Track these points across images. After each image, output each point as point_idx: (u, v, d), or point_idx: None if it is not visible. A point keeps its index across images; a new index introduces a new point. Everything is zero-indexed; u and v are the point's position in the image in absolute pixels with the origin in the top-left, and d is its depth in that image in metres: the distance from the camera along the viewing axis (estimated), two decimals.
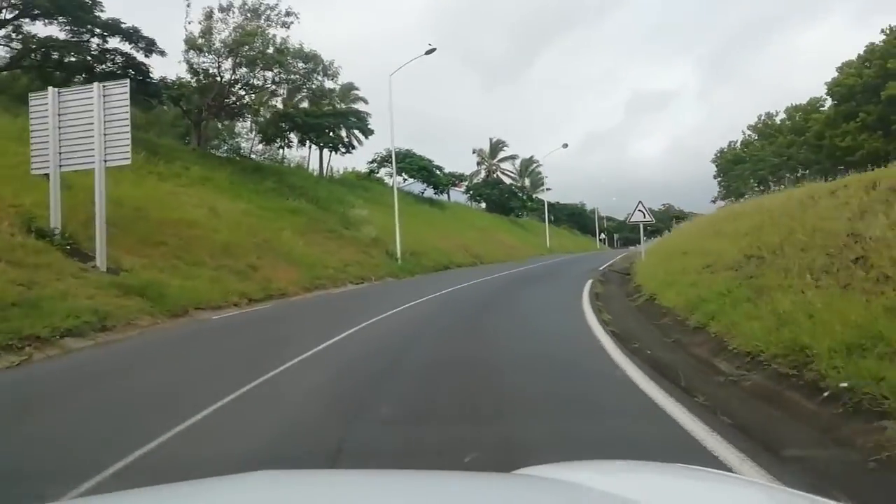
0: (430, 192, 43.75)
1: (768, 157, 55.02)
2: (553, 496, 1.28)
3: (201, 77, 25.71)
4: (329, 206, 27.06)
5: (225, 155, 29.48)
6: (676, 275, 10.25)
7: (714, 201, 65.26)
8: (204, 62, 25.19)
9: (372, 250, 25.09)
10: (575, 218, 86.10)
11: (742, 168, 59.03)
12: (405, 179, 40.56)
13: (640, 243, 21.26)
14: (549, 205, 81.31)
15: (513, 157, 75.23)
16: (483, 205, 58.81)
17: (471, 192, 55.17)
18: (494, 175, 66.40)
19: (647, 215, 18.46)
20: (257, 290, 15.53)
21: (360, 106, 47.77)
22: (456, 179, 47.73)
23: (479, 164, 71.52)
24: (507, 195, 56.64)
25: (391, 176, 39.76)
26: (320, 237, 23.17)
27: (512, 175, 73.73)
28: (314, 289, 18.24)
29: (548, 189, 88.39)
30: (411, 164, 39.23)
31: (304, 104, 33.36)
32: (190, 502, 1.37)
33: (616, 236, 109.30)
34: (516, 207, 57.98)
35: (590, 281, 15.97)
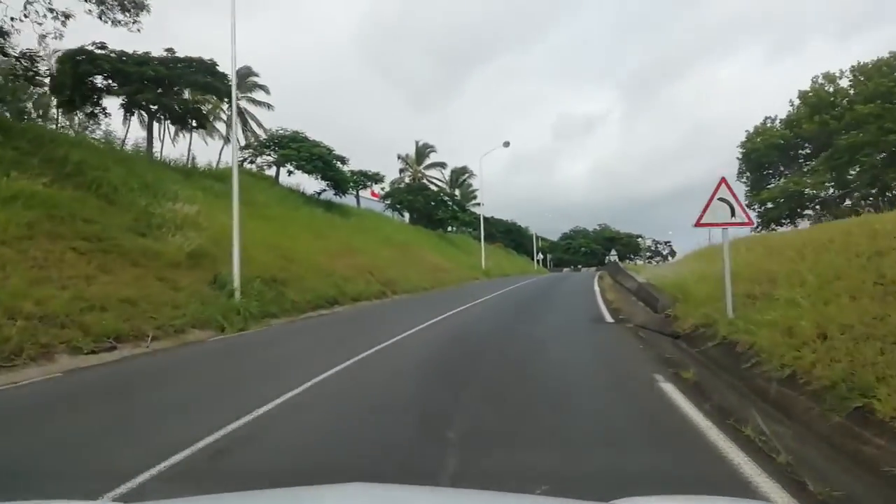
0: (333, 196, 32.43)
1: None
2: None
3: None
4: (120, 198, 15.46)
5: None
6: None
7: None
8: None
9: (184, 275, 13.73)
10: (511, 235, 76.65)
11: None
12: (290, 172, 29.13)
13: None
14: (484, 219, 71.38)
15: (441, 165, 65.40)
16: (406, 216, 48.05)
17: (390, 199, 44.14)
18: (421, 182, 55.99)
19: (736, 210, 8.15)
20: None
21: (259, 96, 36.80)
22: (368, 180, 36.68)
23: (402, 170, 61.26)
24: (435, 203, 45.92)
25: (271, 166, 28.48)
26: (58, 248, 11.62)
27: (441, 185, 63.96)
28: None
29: (480, 204, 78.71)
30: (300, 150, 27.93)
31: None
32: None
33: (549, 257, 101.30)
34: (445, 219, 47.37)
35: (668, 387, 5.41)
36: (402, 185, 45.77)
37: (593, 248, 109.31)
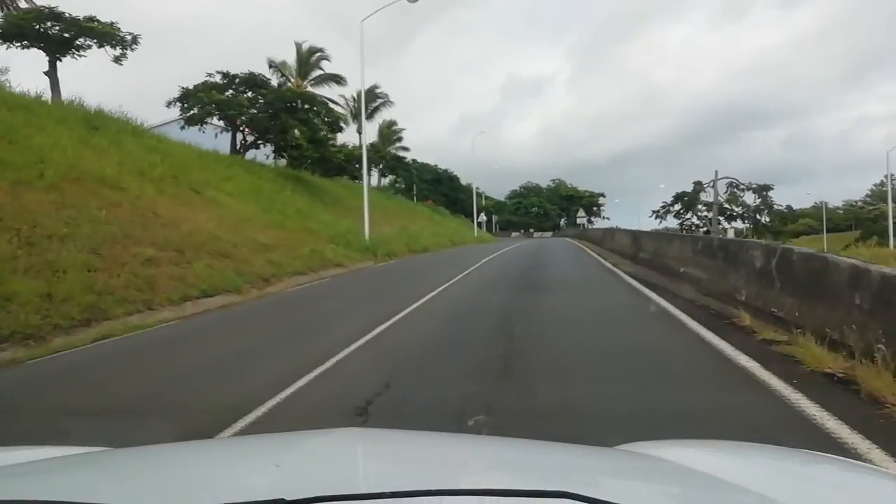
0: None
1: None
2: (666, 478, 1.23)
3: None
4: None
5: None
6: None
7: None
8: None
9: None
10: (442, 188, 55.50)
11: None
12: None
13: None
14: (398, 161, 49.18)
15: (338, 79, 43.42)
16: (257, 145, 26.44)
17: (185, 104, 22.54)
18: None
19: None
20: None
21: None
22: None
23: (279, 87, 38.91)
24: (274, 113, 24.21)
25: None
26: None
27: (338, 111, 41.80)
28: None
29: (405, 149, 57.01)
30: None
31: None
32: (275, 453, 1.36)
33: (495, 219, 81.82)
34: (303, 145, 25.78)
35: None
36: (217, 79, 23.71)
37: (547, 208, 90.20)
